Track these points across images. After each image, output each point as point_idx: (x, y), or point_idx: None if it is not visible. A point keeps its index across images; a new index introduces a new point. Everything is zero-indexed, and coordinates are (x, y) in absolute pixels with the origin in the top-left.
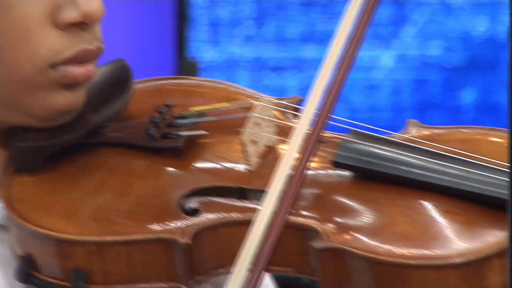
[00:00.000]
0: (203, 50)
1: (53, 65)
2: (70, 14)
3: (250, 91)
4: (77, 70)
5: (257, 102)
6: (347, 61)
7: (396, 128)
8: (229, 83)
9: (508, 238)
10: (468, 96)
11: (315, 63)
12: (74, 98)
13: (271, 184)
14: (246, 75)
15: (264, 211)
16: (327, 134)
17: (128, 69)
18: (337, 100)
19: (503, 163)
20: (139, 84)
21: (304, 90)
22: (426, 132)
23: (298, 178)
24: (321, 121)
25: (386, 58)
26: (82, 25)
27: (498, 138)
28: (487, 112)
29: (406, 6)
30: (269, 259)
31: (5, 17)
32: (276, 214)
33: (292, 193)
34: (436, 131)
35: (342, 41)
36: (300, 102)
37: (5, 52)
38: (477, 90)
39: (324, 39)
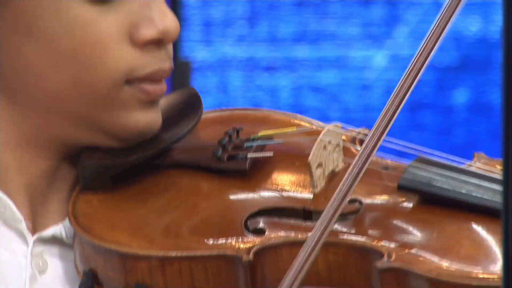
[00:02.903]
0: (196, 50)
1: (129, 82)
2: (148, 32)
3: (317, 122)
4: (152, 87)
5: (326, 127)
6: (408, 85)
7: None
8: (298, 115)
9: (503, 239)
10: (460, 96)
11: (307, 63)
12: (152, 118)
13: (326, 206)
14: (238, 75)
15: (312, 233)
16: (390, 161)
17: (198, 97)
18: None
19: None
20: (209, 114)
21: (296, 90)
22: (491, 163)
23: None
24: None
25: (379, 58)
26: (158, 43)
27: None
28: (480, 112)
29: (398, 6)
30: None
31: (83, 34)
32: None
33: (333, 213)
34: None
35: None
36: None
37: (82, 69)
38: (469, 90)
39: (317, 39)
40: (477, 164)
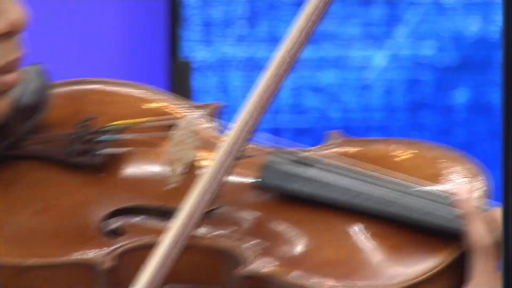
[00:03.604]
0: (195, 50)
1: None
2: None
3: (170, 97)
4: (6, 78)
5: (181, 118)
6: (277, 77)
7: (388, 128)
8: (148, 87)
9: (503, 241)
10: (460, 96)
11: (307, 63)
12: (2, 104)
13: (185, 202)
14: (238, 75)
15: (172, 230)
16: (250, 148)
17: (44, 75)
18: (262, 118)
19: (428, 184)
20: (57, 89)
21: (296, 90)
22: (349, 147)
23: (210, 195)
24: (242, 138)
25: (379, 58)
26: (7, 35)
27: (414, 150)
28: (480, 112)
29: (398, 6)
30: (164, 277)
31: None
32: (181, 233)
33: (201, 207)
34: (357, 144)
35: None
36: (219, 108)
37: None
38: (469, 90)
39: (316, 39)
40: (331, 146)
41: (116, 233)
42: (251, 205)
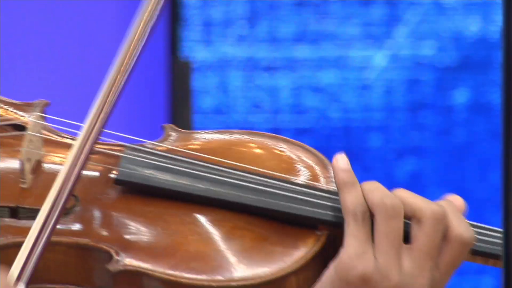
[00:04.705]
0: (196, 50)
1: None
2: None
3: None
4: None
5: (29, 119)
6: (117, 81)
7: (388, 128)
8: None
9: (503, 235)
10: (460, 96)
11: (308, 63)
12: None
13: (44, 202)
14: (238, 75)
15: (34, 228)
16: (102, 146)
17: None
18: (109, 116)
19: (282, 175)
20: None
21: (296, 90)
22: (190, 139)
23: (65, 195)
24: (93, 137)
25: (379, 58)
26: None
27: (258, 144)
28: (479, 112)
29: (398, 6)
30: (31, 274)
31: None
32: (43, 229)
33: (60, 207)
34: (198, 136)
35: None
36: (46, 105)
37: None
38: (469, 90)
39: (317, 39)
40: (174, 142)
41: None
42: (109, 201)
